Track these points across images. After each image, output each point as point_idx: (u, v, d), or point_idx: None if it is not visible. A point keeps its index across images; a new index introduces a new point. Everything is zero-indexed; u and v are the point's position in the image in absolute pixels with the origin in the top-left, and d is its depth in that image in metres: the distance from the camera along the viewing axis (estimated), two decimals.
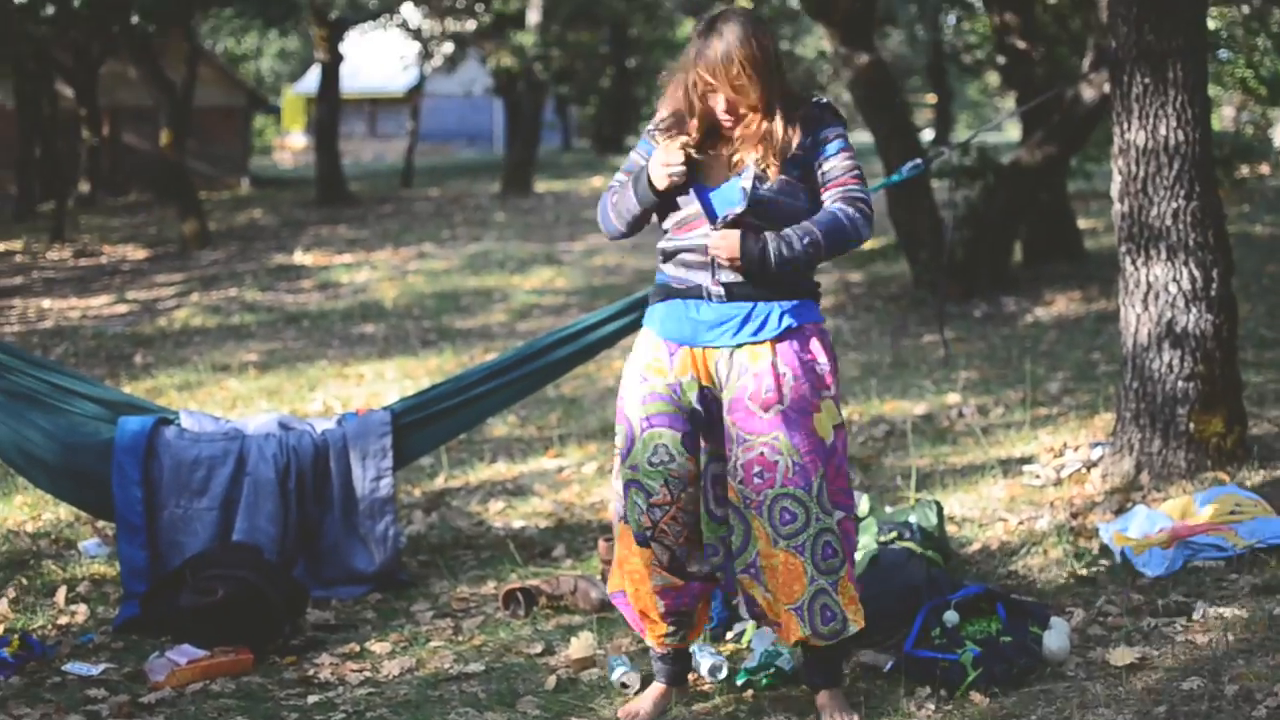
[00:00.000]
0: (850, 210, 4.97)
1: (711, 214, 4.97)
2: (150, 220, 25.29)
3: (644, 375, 5.10)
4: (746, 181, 4.92)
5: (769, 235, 4.92)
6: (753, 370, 4.96)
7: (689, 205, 5.02)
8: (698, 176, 5.02)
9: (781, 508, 4.91)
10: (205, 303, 16.21)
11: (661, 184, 4.96)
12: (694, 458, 5.08)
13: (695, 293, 5.03)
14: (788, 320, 4.99)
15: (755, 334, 4.98)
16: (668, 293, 5.10)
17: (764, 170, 4.93)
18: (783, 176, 4.95)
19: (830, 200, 5.00)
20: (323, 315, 15.12)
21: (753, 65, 4.85)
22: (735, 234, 4.91)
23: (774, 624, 5.10)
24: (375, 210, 24.93)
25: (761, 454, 4.92)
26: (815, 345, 5.04)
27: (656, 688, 5.35)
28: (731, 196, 4.96)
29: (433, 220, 22.99)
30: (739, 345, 4.99)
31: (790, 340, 5.00)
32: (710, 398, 5.06)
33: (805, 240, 4.92)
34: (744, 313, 4.99)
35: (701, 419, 5.06)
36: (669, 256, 5.12)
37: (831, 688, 5.18)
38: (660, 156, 4.97)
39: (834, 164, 5.02)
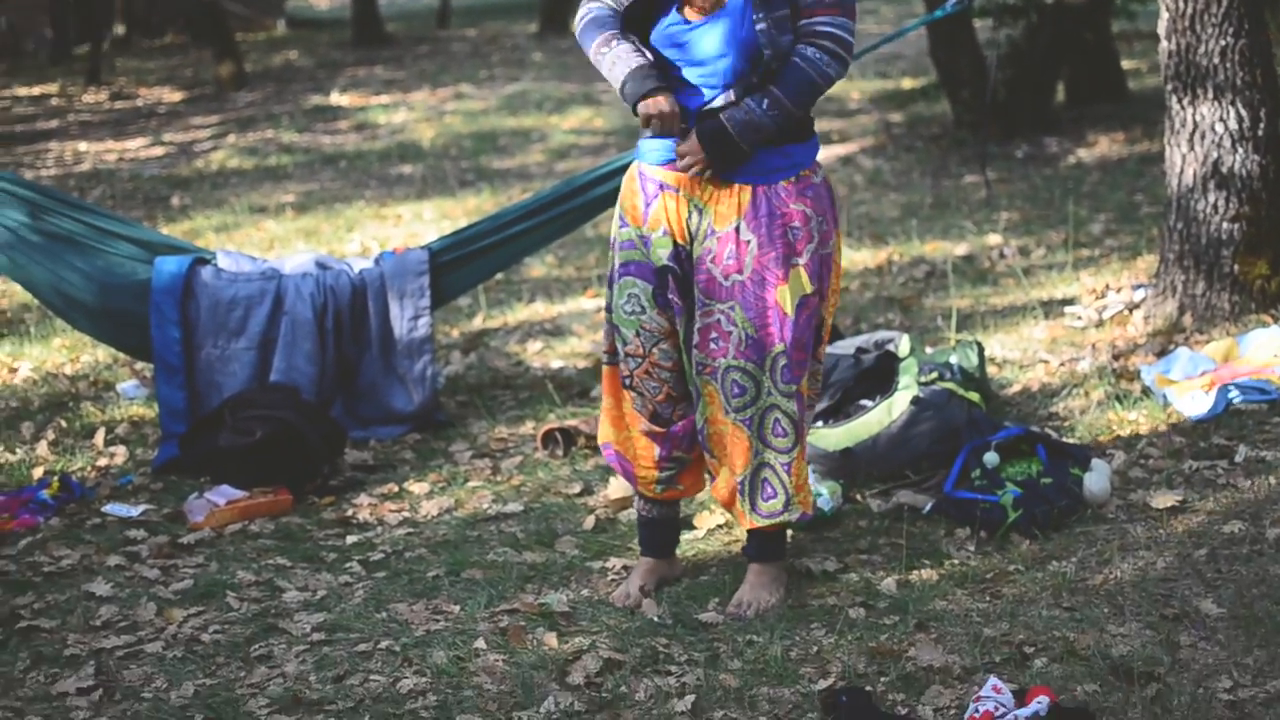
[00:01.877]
0: (813, 52, 4.62)
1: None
2: (186, 62, 25.13)
3: (622, 219, 4.92)
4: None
5: (724, 117, 4.63)
6: (718, 233, 4.72)
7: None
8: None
9: (732, 379, 4.77)
10: (242, 144, 16.13)
11: (642, 124, 4.70)
12: (665, 313, 4.85)
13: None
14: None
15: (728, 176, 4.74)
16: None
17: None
18: (768, 16, 4.60)
19: (798, 39, 4.64)
20: (360, 156, 15.03)
21: None
22: (692, 141, 4.67)
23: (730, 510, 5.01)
24: (412, 51, 24.72)
25: (718, 321, 4.75)
26: (795, 205, 4.74)
27: (641, 563, 5.21)
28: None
29: (470, 61, 22.80)
30: (719, 184, 4.74)
31: (765, 200, 4.72)
32: (684, 255, 4.81)
33: (766, 107, 4.61)
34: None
35: (676, 275, 4.82)
36: None
37: (764, 562, 5.03)
38: (658, 109, 4.63)
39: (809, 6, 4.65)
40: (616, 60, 4.72)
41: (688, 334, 4.87)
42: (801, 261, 4.73)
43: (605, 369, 5.10)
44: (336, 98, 19.25)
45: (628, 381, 4.97)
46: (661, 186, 4.81)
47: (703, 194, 4.75)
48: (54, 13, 28.14)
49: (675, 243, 4.80)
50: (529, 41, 25.18)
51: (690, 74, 4.72)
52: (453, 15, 32.06)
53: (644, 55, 4.72)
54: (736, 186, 4.72)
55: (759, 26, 4.59)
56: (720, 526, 5.62)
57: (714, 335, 4.77)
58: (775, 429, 4.81)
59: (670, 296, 4.84)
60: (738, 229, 4.71)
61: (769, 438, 4.82)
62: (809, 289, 4.76)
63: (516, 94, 18.48)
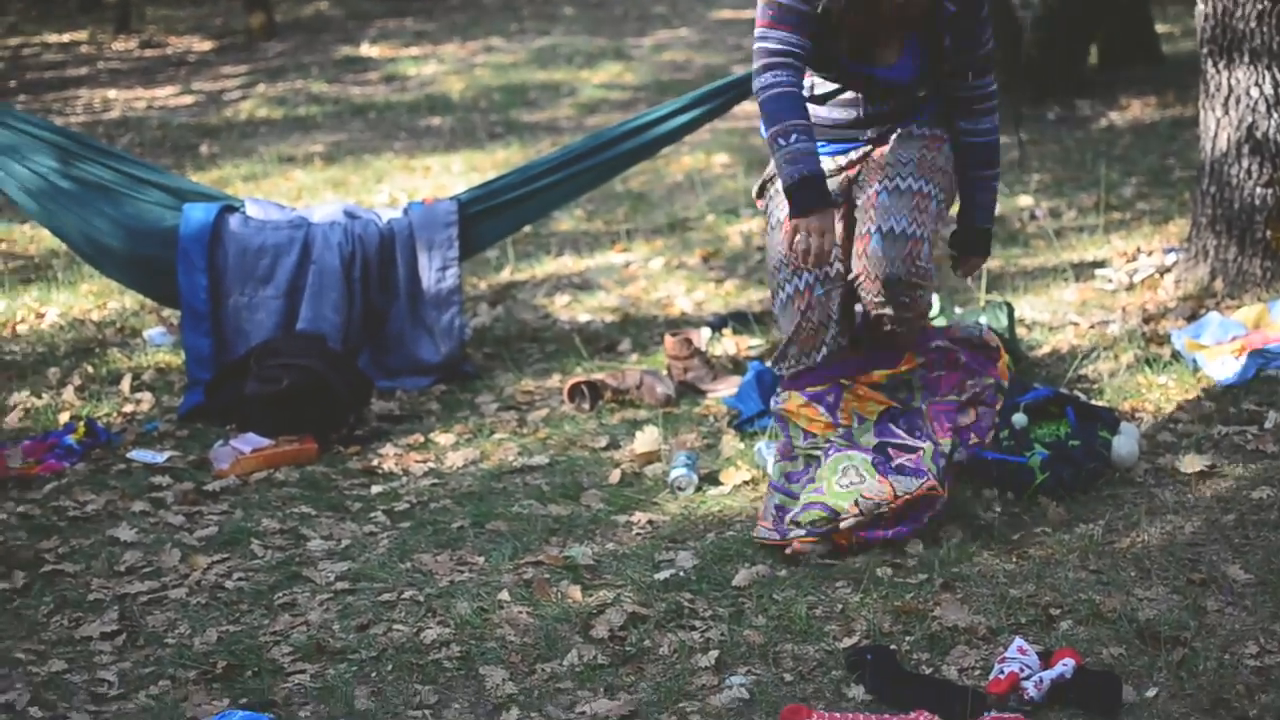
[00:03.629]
0: (993, 121, 5.28)
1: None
2: (216, 11, 25.11)
3: None
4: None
5: (982, 222, 5.40)
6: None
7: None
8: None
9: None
10: (271, 94, 16.10)
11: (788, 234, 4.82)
12: None
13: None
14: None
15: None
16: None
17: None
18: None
19: (968, 113, 5.26)
20: (389, 107, 15.01)
21: None
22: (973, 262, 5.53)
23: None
24: (443, 3, 24.66)
25: None
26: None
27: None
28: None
29: (500, 14, 22.75)
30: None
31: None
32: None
33: (994, 183, 5.39)
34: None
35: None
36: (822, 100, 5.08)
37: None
38: (810, 242, 4.73)
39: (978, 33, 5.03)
40: (790, 159, 4.74)
41: None
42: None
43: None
44: (366, 49, 19.22)
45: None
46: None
47: None
48: None
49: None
50: None
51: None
52: None
53: (817, 160, 4.76)
54: None
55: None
56: (746, 482, 5.60)
57: None
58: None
59: None
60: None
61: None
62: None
63: (547, 47, 18.43)
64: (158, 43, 21.32)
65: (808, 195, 4.69)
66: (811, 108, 4.95)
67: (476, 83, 16.24)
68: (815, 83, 5.01)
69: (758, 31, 4.81)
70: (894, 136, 5.06)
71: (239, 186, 11.11)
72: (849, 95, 5.02)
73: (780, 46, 4.77)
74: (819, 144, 4.86)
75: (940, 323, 6.25)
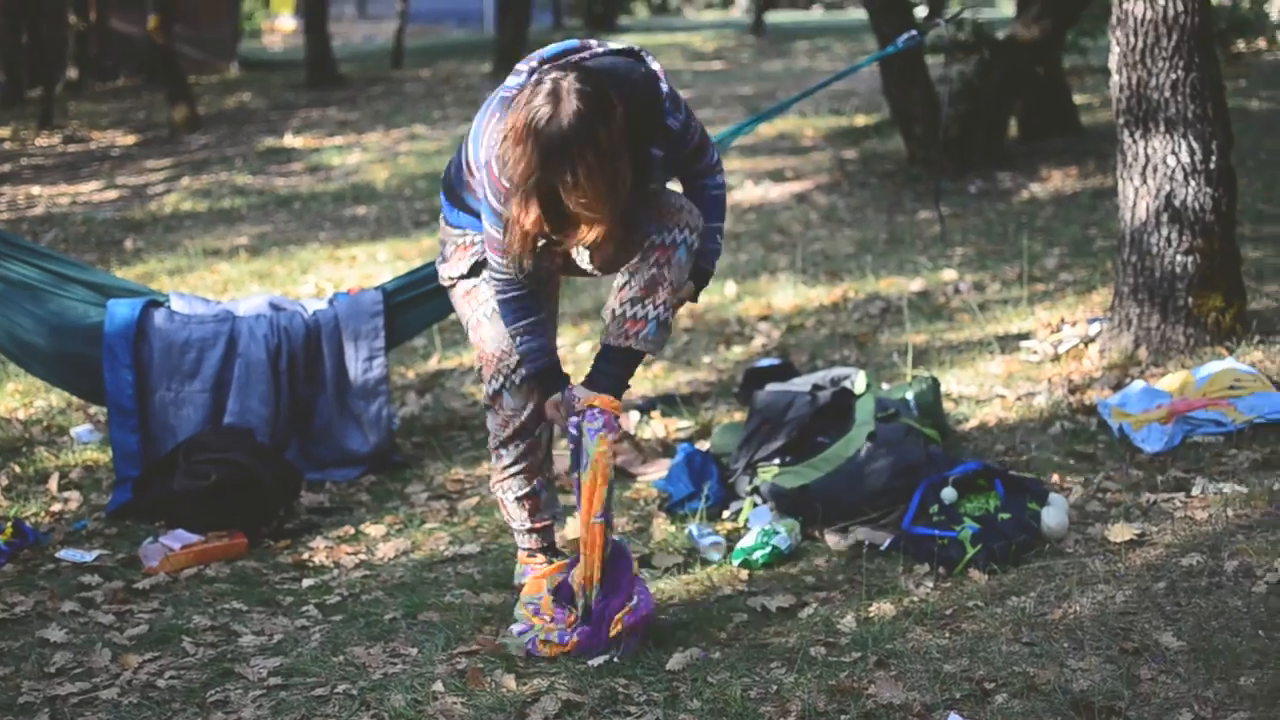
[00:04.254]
0: (717, 179, 5.03)
1: None
2: (139, 105, 25.11)
3: None
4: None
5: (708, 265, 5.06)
6: None
7: None
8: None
9: None
10: (195, 187, 16.10)
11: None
12: None
13: None
14: None
15: None
16: None
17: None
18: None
19: (696, 179, 5.00)
20: (314, 198, 15.02)
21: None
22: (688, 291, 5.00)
23: None
24: (366, 92, 24.74)
25: None
26: None
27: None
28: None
29: (424, 101, 22.83)
30: None
31: None
32: None
33: (714, 239, 5.06)
34: None
35: None
36: None
37: None
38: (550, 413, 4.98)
39: (693, 152, 4.91)
40: (526, 358, 4.94)
41: None
42: None
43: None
44: (290, 139, 19.24)
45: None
46: None
47: None
48: (6, 56, 28.07)
49: None
50: (483, 81, 25.24)
51: None
52: (406, 56, 32.09)
53: (546, 355, 4.95)
54: None
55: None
56: (677, 565, 5.60)
57: None
58: None
59: None
60: None
61: None
62: None
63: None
64: (81, 138, 21.29)
65: (546, 386, 4.96)
66: None
67: (401, 171, 16.28)
68: None
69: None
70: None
71: (164, 281, 11.08)
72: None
73: (501, 272, 4.86)
74: None
75: (867, 399, 6.28)
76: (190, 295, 7.18)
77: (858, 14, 26.46)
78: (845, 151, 15.68)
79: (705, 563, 5.59)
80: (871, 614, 5.03)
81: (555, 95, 4.36)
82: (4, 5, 28.55)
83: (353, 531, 6.21)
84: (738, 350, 8.67)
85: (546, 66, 4.61)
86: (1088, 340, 7.77)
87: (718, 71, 26.64)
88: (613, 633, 4.83)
